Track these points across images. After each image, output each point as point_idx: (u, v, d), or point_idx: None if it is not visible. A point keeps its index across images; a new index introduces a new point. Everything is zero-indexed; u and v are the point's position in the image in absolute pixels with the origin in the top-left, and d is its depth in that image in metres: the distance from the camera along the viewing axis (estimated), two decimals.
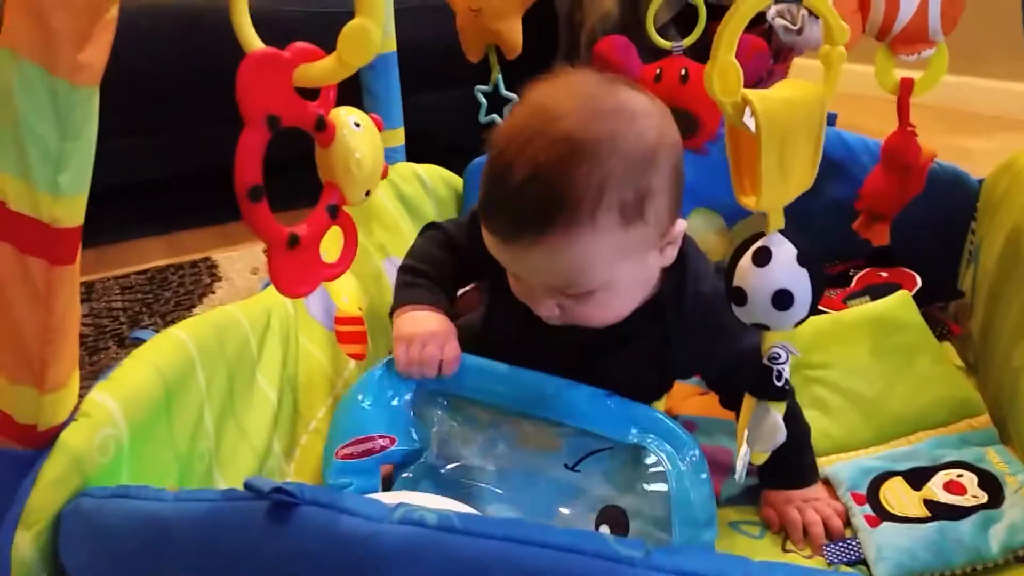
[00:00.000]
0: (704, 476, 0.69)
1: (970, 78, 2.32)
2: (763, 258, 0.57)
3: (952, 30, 0.98)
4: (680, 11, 1.60)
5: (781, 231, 0.58)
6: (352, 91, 0.96)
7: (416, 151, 1.25)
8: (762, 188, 0.56)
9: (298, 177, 0.89)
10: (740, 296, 0.59)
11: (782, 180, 0.57)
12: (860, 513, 0.75)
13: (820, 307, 1.02)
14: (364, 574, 0.43)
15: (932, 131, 1.14)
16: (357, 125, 0.70)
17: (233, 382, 0.72)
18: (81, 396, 0.55)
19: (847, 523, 0.76)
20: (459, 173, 1.25)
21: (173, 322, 0.68)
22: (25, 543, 0.50)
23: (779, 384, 0.63)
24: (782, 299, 0.57)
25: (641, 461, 0.69)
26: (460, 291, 1.09)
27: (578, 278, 0.65)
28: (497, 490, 0.70)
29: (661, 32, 1.13)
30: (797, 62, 1.84)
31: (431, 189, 1.21)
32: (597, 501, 0.68)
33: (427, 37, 1.47)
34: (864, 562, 0.72)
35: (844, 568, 0.72)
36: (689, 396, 0.94)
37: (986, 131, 2.21)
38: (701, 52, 0.77)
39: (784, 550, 0.75)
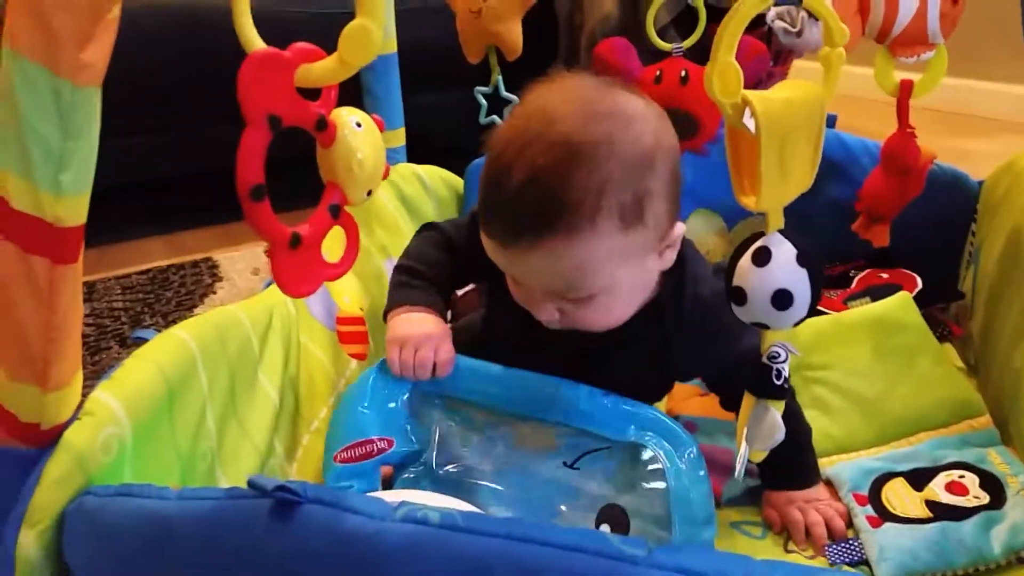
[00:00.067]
0: (702, 474, 0.69)
1: (970, 80, 2.32)
2: (763, 258, 0.57)
3: (951, 32, 0.98)
4: (680, 13, 1.61)
5: (781, 231, 0.58)
6: (353, 92, 0.96)
7: (416, 152, 1.26)
8: (762, 188, 0.56)
9: (299, 177, 0.89)
10: (740, 296, 0.59)
11: (782, 180, 0.57)
12: (862, 514, 0.76)
13: (821, 308, 1.02)
14: (367, 572, 0.43)
15: (932, 133, 1.14)
16: (359, 125, 0.70)
17: (235, 382, 0.72)
18: (84, 395, 0.55)
19: (849, 524, 0.76)
20: (459, 174, 1.25)
21: (175, 322, 0.68)
22: (29, 542, 0.50)
23: (778, 383, 0.63)
24: (782, 299, 0.57)
25: (640, 459, 0.69)
26: (460, 291, 1.09)
27: (578, 282, 0.65)
28: (497, 489, 0.70)
29: (661, 34, 1.14)
30: (797, 64, 1.84)
31: (432, 190, 1.21)
32: (597, 500, 0.68)
33: (428, 38, 1.47)
34: (866, 562, 0.72)
35: (846, 568, 0.72)
36: (689, 397, 0.94)
37: (986, 133, 2.22)
38: (701, 54, 0.78)
39: (786, 550, 0.75)
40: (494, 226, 0.65)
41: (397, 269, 0.82)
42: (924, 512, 0.75)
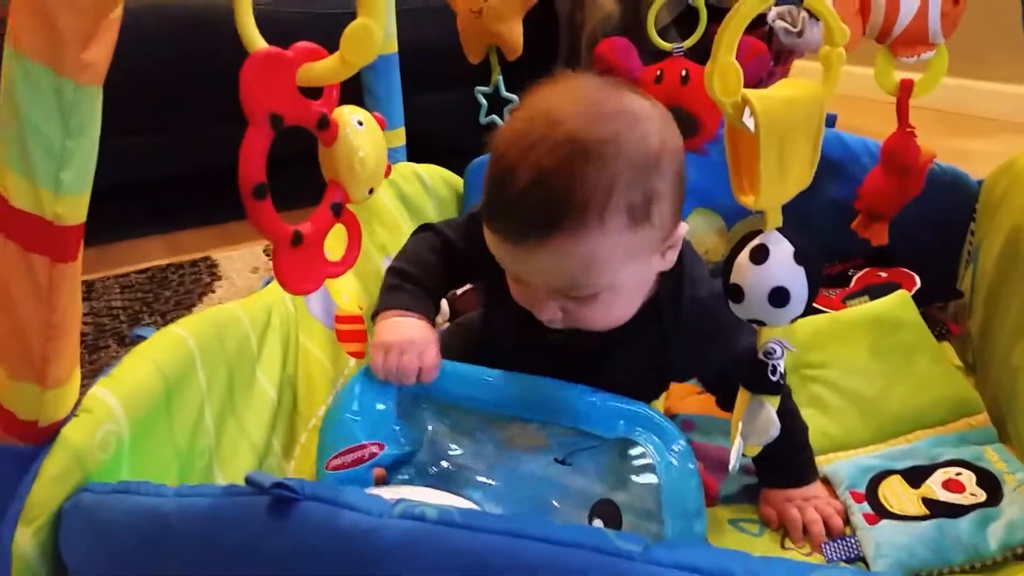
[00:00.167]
0: (692, 467, 0.69)
1: (970, 80, 2.32)
2: (760, 256, 0.58)
3: (952, 33, 0.98)
4: (681, 13, 1.61)
5: (779, 229, 0.59)
6: (353, 92, 0.96)
7: (417, 151, 1.26)
8: (761, 186, 0.56)
9: (301, 175, 0.89)
10: (737, 293, 0.59)
11: (781, 179, 0.57)
12: (859, 511, 0.76)
13: (819, 307, 1.03)
14: (365, 569, 0.43)
15: (932, 133, 1.15)
16: (360, 124, 0.70)
17: (233, 379, 0.73)
18: (82, 394, 0.55)
19: (846, 521, 0.76)
20: (459, 173, 1.25)
21: (173, 321, 0.68)
22: (26, 539, 0.50)
23: (774, 379, 0.63)
24: (779, 296, 0.57)
25: (629, 455, 0.69)
26: (460, 291, 1.09)
27: (583, 280, 0.65)
28: (490, 486, 0.70)
29: (662, 34, 1.14)
30: (797, 64, 1.85)
31: (432, 189, 1.21)
32: (589, 496, 0.68)
33: (428, 38, 1.47)
34: (863, 560, 0.72)
35: (843, 565, 0.72)
36: (687, 395, 0.94)
37: (986, 133, 2.22)
38: (702, 54, 0.78)
39: (783, 548, 0.75)
40: (500, 225, 0.65)
41: (390, 271, 0.81)
42: (921, 509, 0.75)
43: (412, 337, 0.74)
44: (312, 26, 1.65)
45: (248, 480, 0.46)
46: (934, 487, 0.77)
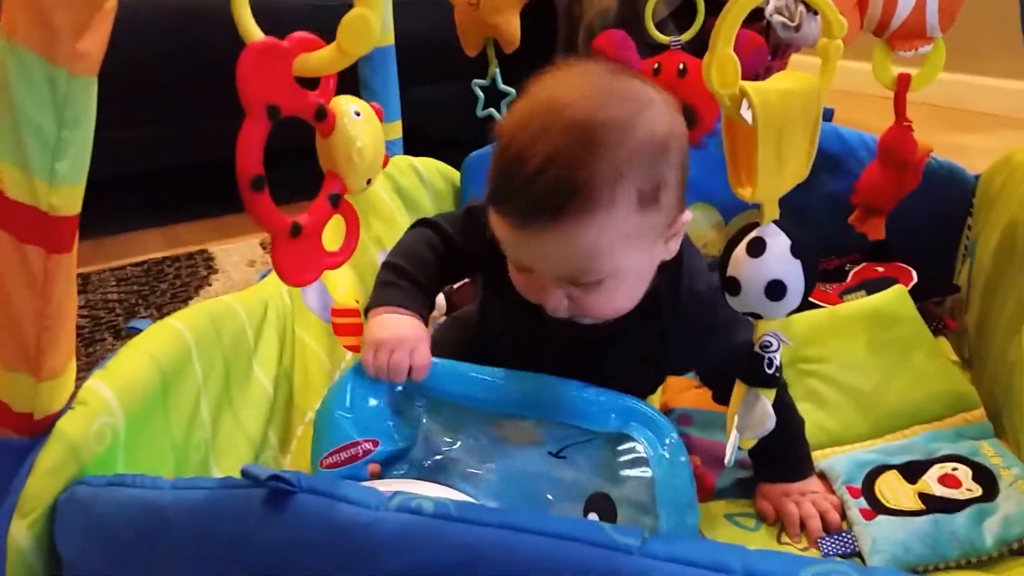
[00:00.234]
0: (683, 459, 0.68)
1: (967, 76, 2.32)
2: (757, 248, 0.58)
3: (950, 27, 0.98)
4: (679, 6, 1.61)
5: (775, 222, 0.58)
6: (350, 84, 0.96)
7: (413, 144, 1.26)
8: (758, 179, 0.56)
9: (299, 170, 0.89)
10: (734, 286, 0.59)
11: (778, 171, 0.57)
12: (855, 506, 0.76)
13: (816, 301, 1.03)
14: (361, 561, 0.43)
15: (929, 128, 1.14)
16: (357, 114, 0.70)
17: (229, 372, 0.72)
18: (77, 387, 0.55)
19: (842, 516, 0.77)
20: (456, 166, 1.25)
21: (169, 314, 0.68)
22: (21, 532, 0.50)
23: (770, 372, 0.63)
24: (775, 289, 0.57)
25: (623, 448, 0.69)
26: (457, 285, 1.09)
27: (591, 264, 0.64)
28: (484, 479, 0.70)
29: (659, 27, 1.14)
30: (794, 59, 1.85)
31: (428, 182, 1.21)
32: (583, 490, 0.68)
33: (425, 31, 1.47)
34: (859, 555, 0.72)
35: (839, 560, 0.72)
36: (684, 390, 0.94)
37: (983, 129, 2.22)
38: (699, 47, 0.77)
39: (779, 542, 0.75)
40: (509, 208, 0.64)
41: (384, 266, 0.81)
42: (917, 504, 0.75)
43: (403, 335, 0.73)
44: (309, 16, 1.64)
45: (244, 472, 0.46)
46: (930, 482, 0.77)
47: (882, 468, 0.80)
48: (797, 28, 1.65)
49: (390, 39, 1.17)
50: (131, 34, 1.24)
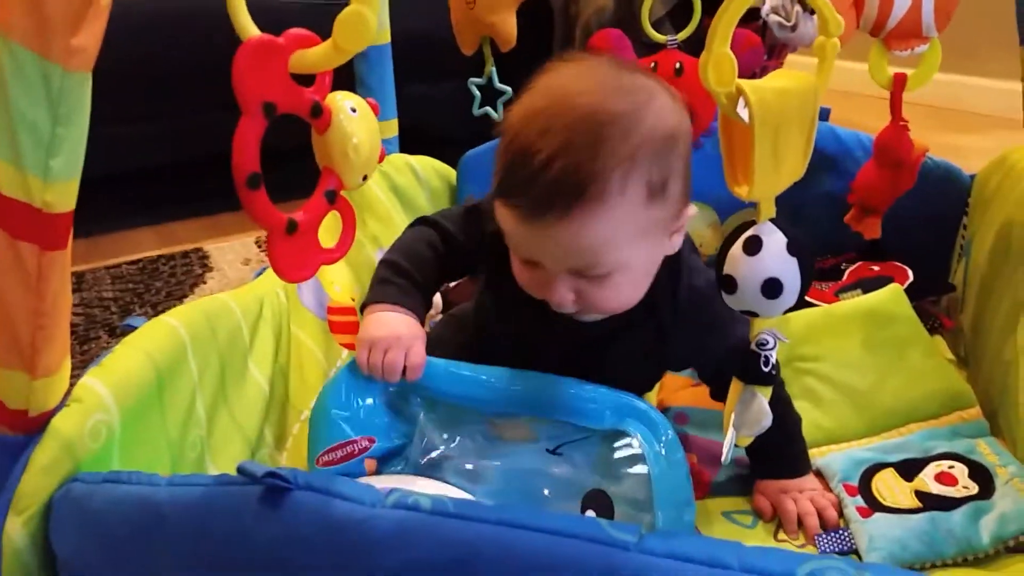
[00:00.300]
0: (679, 456, 0.68)
1: (963, 76, 2.32)
2: (754, 247, 0.58)
3: (946, 26, 0.98)
4: (675, 5, 1.61)
5: (772, 220, 0.58)
6: (346, 82, 0.96)
7: (409, 143, 1.25)
8: (755, 177, 0.56)
9: (294, 167, 0.89)
10: (730, 284, 0.59)
11: (775, 169, 0.57)
12: (852, 504, 0.76)
13: (812, 300, 1.03)
14: (357, 558, 0.43)
15: (925, 128, 1.15)
16: (353, 110, 0.70)
17: (225, 370, 0.72)
18: (72, 385, 0.55)
19: (839, 514, 0.77)
20: (452, 165, 1.25)
21: (164, 312, 0.68)
22: (15, 529, 0.50)
23: (766, 369, 0.63)
24: (771, 287, 0.57)
25: (619, 445, 0.69)
26: (453, 283, 1.09)
27: (600, 257, 0.64)
28: (481, 476, 0.70)
29: (656, 26, 1.14)
30: (790, 59, 1.85)
31: (424, 180, 1.21)
32: (580, 486, 0.68)
33: (421, 29, 1.47)
34: (855, 552, 0.72)
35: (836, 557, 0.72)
36: (680, 388, 0.94)
37: (979, 129, 2.22)
38: (696, 46, 0.77)
39: (776, 539, 0.75)
40: (519, 201, 0.63)
41: (382, 263, 0.80)
42: (914, 502, 0.75)
43: (399, 333, 0.72)
44: (304, 14, 1.64)
45: (240, 469, 0.46)
46: (927, 480, 0.78)
47: (879, 466, 0.80)
48: (793, 28, 1.65)
49: (386, 37, 1.17)
50: (126, 30, 1.24)
